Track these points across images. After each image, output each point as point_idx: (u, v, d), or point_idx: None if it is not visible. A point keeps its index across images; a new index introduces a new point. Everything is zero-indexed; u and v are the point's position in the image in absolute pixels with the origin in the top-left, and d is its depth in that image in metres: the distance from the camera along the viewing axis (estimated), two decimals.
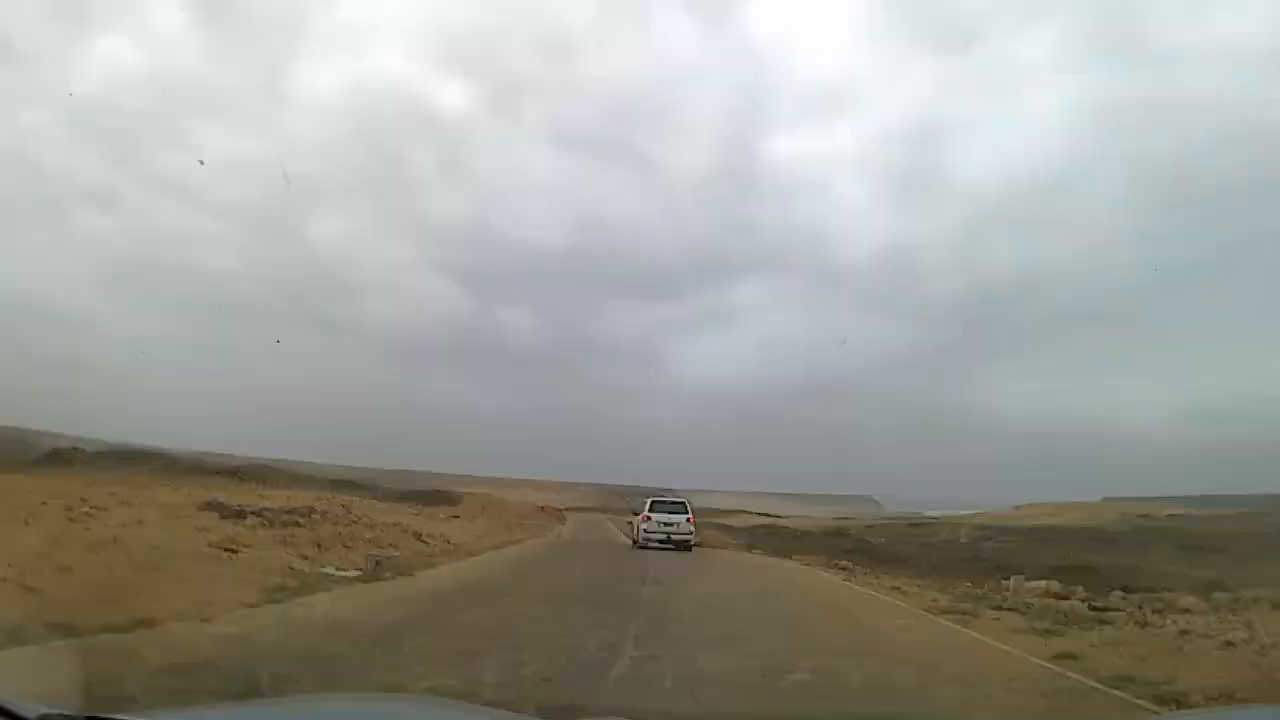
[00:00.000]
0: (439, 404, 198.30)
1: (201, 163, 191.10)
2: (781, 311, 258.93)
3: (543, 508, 72.05)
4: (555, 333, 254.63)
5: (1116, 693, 6.85)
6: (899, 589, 16.71)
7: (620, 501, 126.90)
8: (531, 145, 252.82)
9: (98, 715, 2.06)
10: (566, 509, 77.64)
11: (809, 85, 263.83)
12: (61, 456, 57.70)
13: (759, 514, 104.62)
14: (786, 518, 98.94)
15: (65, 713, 1.89)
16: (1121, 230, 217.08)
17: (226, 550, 12.19)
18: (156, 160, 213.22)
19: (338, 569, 12.65)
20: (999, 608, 13.26)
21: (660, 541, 24.96)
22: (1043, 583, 16.10)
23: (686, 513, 26.01)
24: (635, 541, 25.98)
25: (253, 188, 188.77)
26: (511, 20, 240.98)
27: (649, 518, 25.52)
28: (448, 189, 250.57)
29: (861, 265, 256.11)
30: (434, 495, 56.01)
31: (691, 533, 25.70)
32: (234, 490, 29.41)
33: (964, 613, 12.40)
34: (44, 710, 1.82)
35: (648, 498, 27.75)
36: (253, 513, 17.05)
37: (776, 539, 44.79)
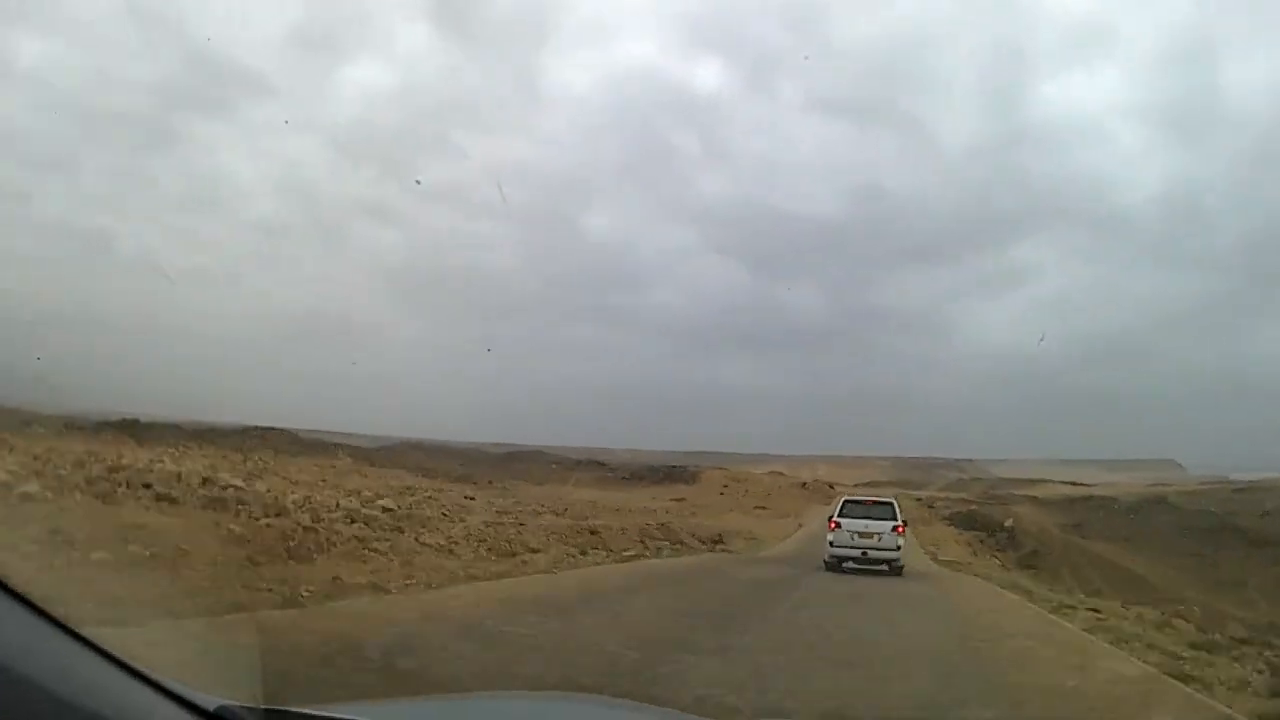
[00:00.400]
0: (727, 385, 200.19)
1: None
2: (1064, 269, 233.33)
3: (805, 485, 69.75)
4: (837, 306, 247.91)
5: None
6: None
7: (917, 474, 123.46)
8: (793, 117, 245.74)
9: (277, 708, 2.05)
10: (857, 485, 74.23)
11: (1067, 22, 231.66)
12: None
13: (1064, 483, 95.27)
14: (1093, 485, 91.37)
15: (245, 704, 1.89)
16: None
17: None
18: (428, 170, 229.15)
19: None
20: None
21: (855, 560, 18.89)
22: None
23: (894, 519, 19.24)
24: (825, 560, 19.54)
25: (525, 189, 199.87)
26: None
27: (838, 525, 19.25)
28: (716, 169, 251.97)
29: (1143, 212, 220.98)
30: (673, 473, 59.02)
31: (899, 548, 18.97)
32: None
33: None
34: (221, 702, 1.82)
35: (852, 499, 21.27)
36: None
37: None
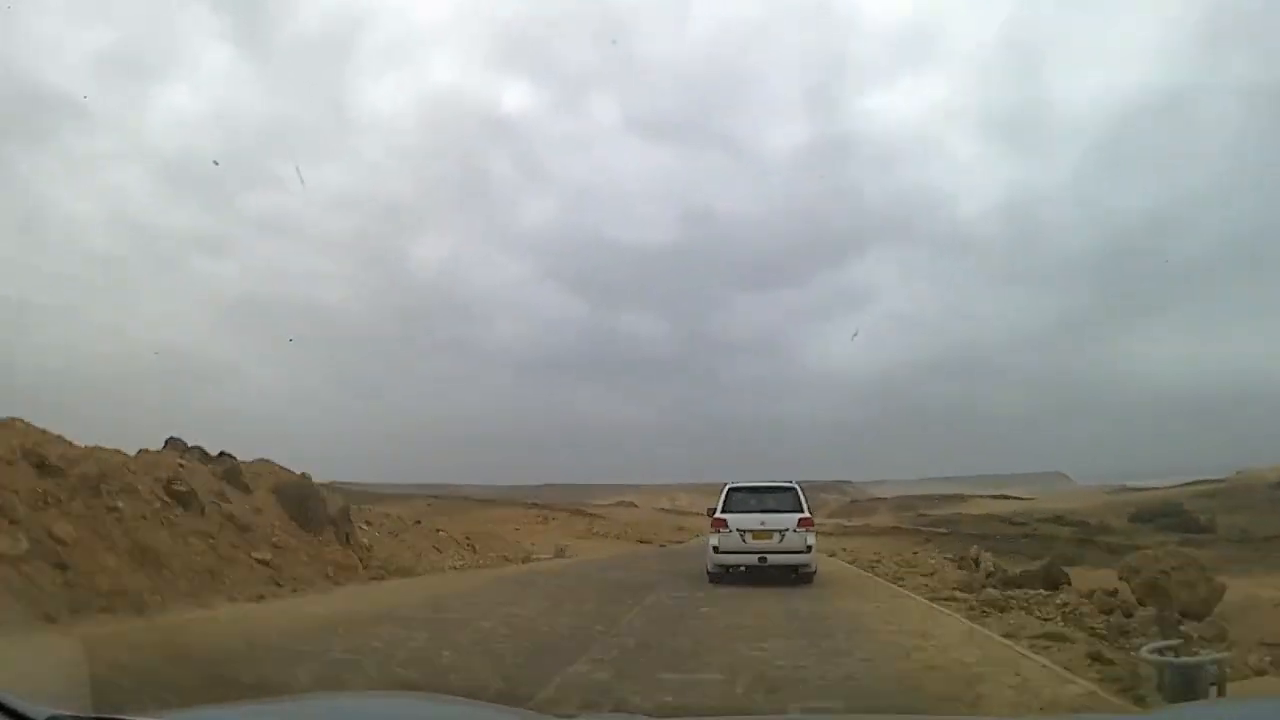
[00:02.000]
0: (579, 417, 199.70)
1: (301, 181, 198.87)
2: (906, 286, 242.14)
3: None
4: (683, 333, 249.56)
5: None
6: None
7: None
8: (612, 139, 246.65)
9: (107, 717, 2.09)
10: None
11: (888, 28, 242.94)
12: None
13: (990, 497, 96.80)
14: (1030, 498, 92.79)
15: (74, 714, 1.94)
16: (1250, 160, 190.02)
17: None
18: (246, 200, 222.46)
19: None
20: None
21: (750, 567, 14.76)
22: None
23: (798, 509, 14.92)
24: (709, 571, 15.21)
25: (348, 218, 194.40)
26: (558, 11, 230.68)
27: (724, 523, 14.93)
28: (540, 195, 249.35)
29: (984, 226, 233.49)
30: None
31: (809, 547, 14.83)
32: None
33: None
34: (53, 712, 1.86)
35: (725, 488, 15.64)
36: None
37: None
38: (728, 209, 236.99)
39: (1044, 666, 7.25)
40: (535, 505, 67.71)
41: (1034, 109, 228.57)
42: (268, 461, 15.31)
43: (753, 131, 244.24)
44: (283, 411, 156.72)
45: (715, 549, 14.97)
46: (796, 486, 15.52)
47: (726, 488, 15.48)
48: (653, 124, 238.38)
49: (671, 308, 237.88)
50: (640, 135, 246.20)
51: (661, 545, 42.67)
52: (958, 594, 14.66)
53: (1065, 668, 7.23)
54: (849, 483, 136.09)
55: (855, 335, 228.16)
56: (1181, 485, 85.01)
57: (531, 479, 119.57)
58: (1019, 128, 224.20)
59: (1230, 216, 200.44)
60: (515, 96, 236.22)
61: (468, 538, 25.43)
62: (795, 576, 14.75)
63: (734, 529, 14.72)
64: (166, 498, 11.06)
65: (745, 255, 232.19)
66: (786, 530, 14.61)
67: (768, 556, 14.57)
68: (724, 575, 14.74)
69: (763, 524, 14.66)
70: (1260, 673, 7.64)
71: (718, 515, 15.08)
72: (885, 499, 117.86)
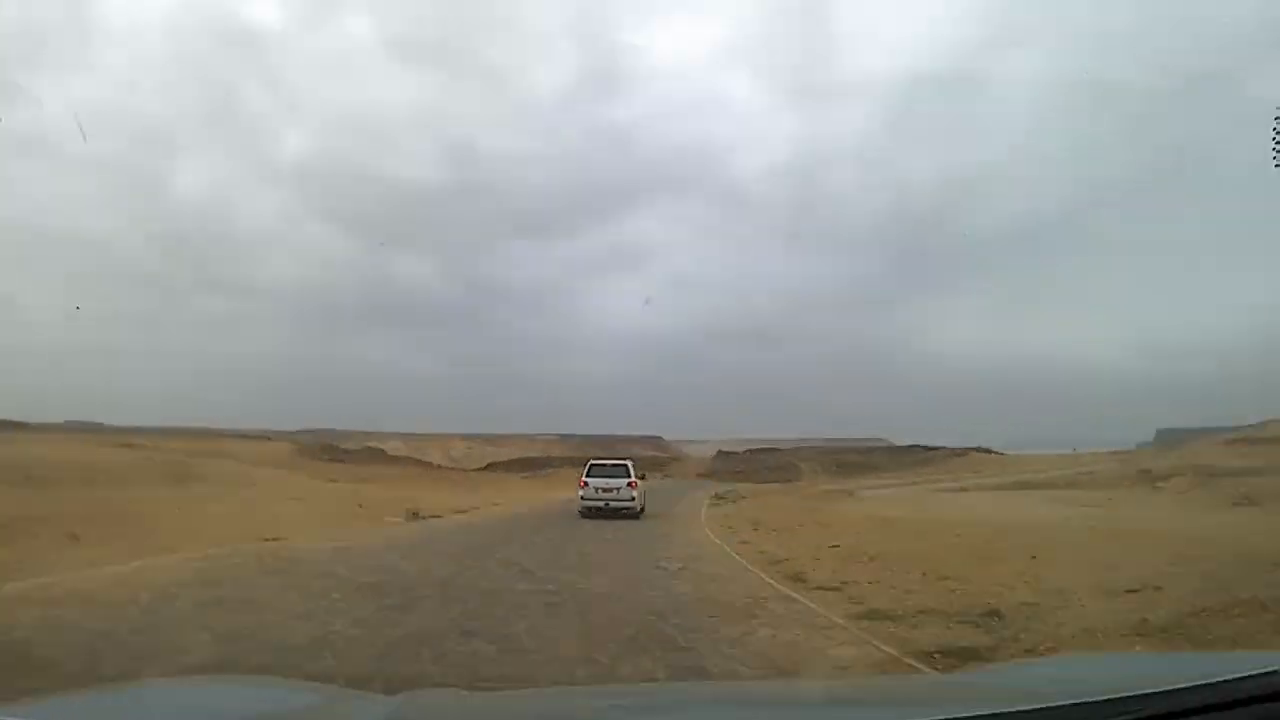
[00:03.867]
0: (356, 362, 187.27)
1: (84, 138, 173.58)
2: (687, 245, 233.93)
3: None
4: (457, 280, 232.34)
5: None
6: None
7: (599, 450, 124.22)
8: (372, 63, 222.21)
9: None
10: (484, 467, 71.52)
11: None
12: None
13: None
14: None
15: None
16: (1051, 133, 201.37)
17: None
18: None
19: None
20: None
21: (598, 509, 24.81)
22: None
23: (628, 475, 25.62)
24: (580, 511, 25.55)
25: (110, 140, 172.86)
26: None
27: (586, 483, 25.55)
28: (299, 123, 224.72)
29: (766, 184, 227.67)
30: None
31: (633, 499, 25.08)
32: None
33: None
34: None
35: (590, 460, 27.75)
36: None
37: None
38: (494, 147, 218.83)
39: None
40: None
41: (822, 63, 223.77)
42: None
43: (518, 63, 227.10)
44: (50, 346, 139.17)
45: (582, 498, 25.35)
46: (628, 462, 27.10)
47: (590, 462, 27.02)
48: (413, 46, 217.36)
49: (445, 252, 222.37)
50: (400, 59, 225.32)
51: None
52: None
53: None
54: (659, 438, 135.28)
55: (648, 301, 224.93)
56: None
57: (292, 423, 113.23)
58: (806, 82, 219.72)
59: (1023, 194, 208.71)
60: (262, 7, 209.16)
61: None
62: (630, 515, 24.65)
63: (592, 486, 25.25)
64: None
65: (517, 200, 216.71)
66: (621, 487, 25.16)
67: (610, 503, 24.85)
68: (589, 514, 24.58)
69: (607, 484, 25.21)
70: None
71: (583, 479, 25.71)
72: (691, 458, 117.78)
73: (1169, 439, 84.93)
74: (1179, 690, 1.98)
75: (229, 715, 2.64)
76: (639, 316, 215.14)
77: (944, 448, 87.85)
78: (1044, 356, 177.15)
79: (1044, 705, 1.97)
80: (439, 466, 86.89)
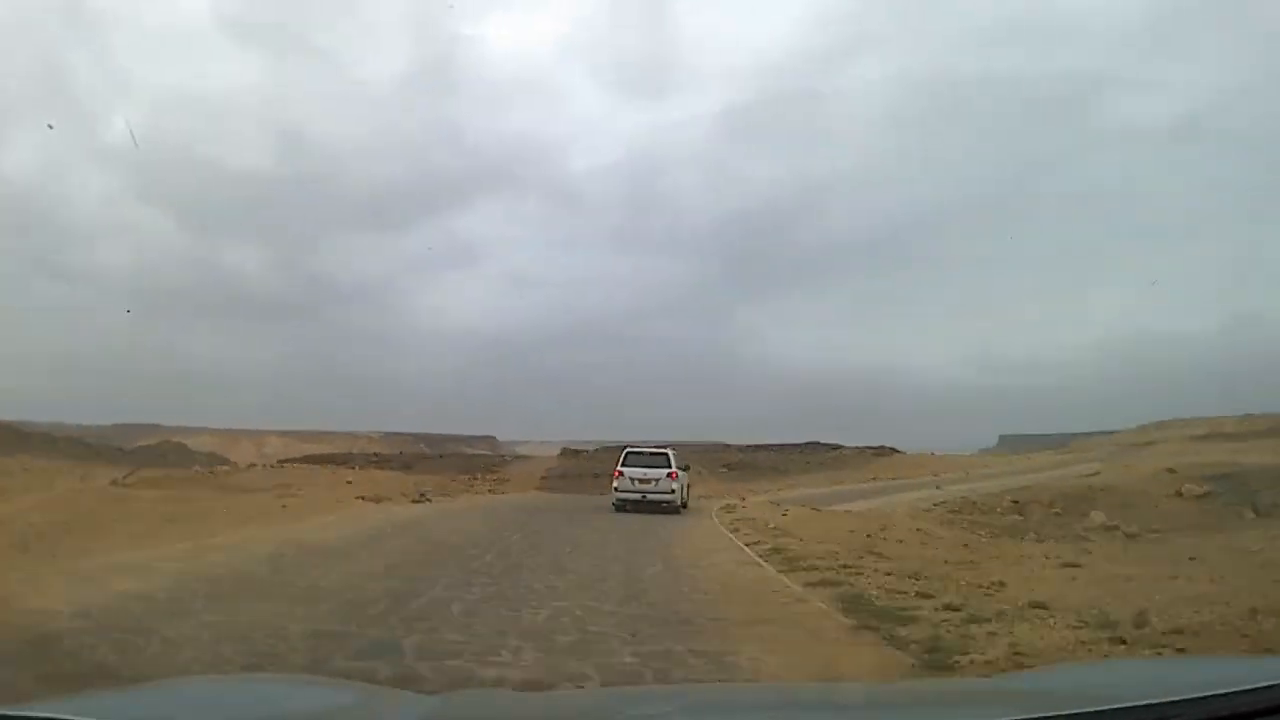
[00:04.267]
0: (178, 355, 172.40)
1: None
2: (520, 244, 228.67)
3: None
4: (289, 273, 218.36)
5: None
6: None
7: (422, 447, 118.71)
8: (202, 41, 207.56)
9: None
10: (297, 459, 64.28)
11: None
12: None
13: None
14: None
15: None
16: (898, 146, 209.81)
17: None
18: None
19: None
20: None
21: (635, 502, 22.36)
22: None
23: (668, 465, 22.85)
24: (613, 503, 23.11)
25: None
26: None
27: (621, 473, 22.95)
28: (125, 100, 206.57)
29: (602, 182, 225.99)
30: None
31: (673, 491, 22.58)
32: None
33: None
34: None
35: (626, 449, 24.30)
36: None
37: None
38: (328, 136, 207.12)
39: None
40: None
41: (664, 63, 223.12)
42: None
43: (354, 50, 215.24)
44: None
45: (616, 489, 23.03)
46: (669, 451, 23.80)
47: (625, 450, 24.05)
48: (249, 27, 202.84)
49: (277, 243, 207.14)
50: (236, 40, 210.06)
51: None
52: None
53: None
54: (489, 437, 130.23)
55: (477, 290, 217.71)
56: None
57: (98, 416, 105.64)
58: (646, 81, 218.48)
59: (868, 205, 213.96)
60: None
61: None
62: (670, 510, 22.37)
63: (626, 476, 22.86)
64: None
65: (350, 192, 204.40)
66: (659, 479, 22.66)
67: (647, 495, 22.49)
68: (623, 507, 22.44)
69: (645, 474, 22.76)
70: None
71: (618, 469, 23.18)
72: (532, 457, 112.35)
73: (1011, 444, 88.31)
74: (1213, 697, 1.97)
75: (264, 713, 2.62)
76: (474, 315, 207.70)
77: (846, 447, 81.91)
78: (887, 365, 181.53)
79: (1076, 710, 1.97)
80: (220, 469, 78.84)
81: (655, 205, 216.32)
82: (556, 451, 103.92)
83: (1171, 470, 33.84)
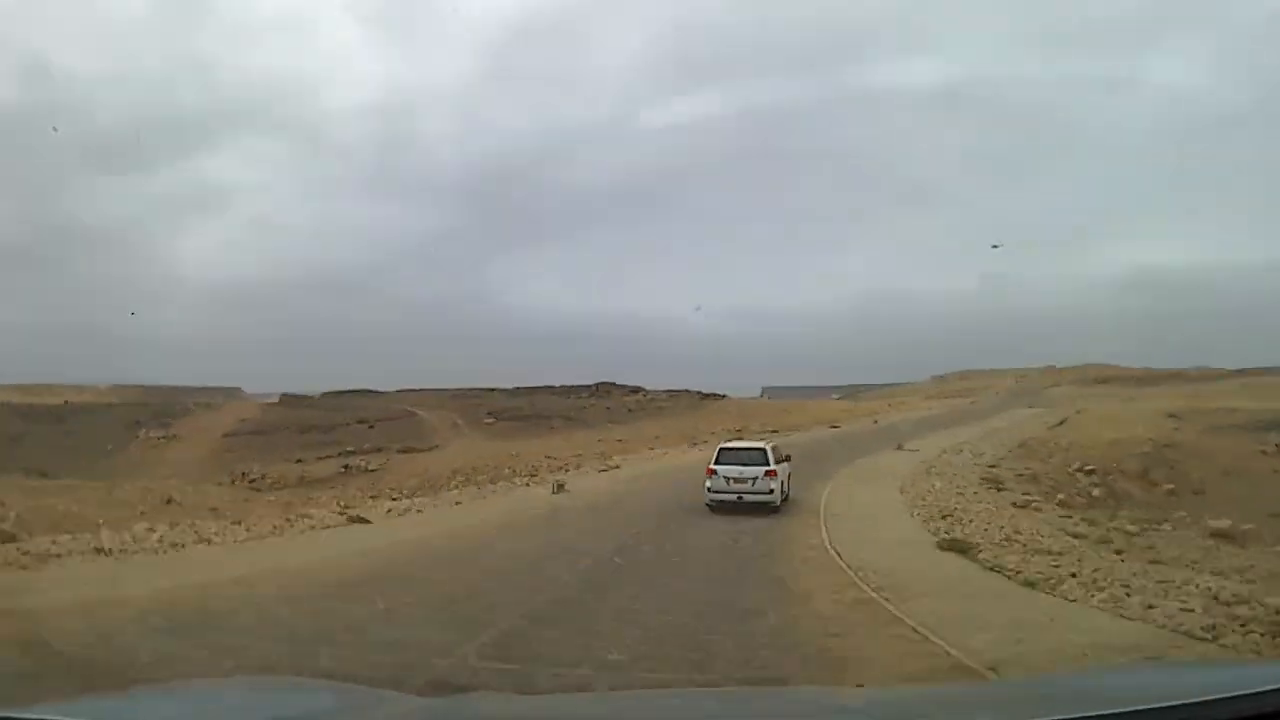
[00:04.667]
0: None
1: None
2: (270, 188, 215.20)
3: None
4: (22, 217, 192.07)
5: None
6: None
7: (159, 398, 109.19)
8: None
9: None
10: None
11: None
12: None
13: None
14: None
15: None
16: (646, 98, 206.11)
17: None
18: None
19: None
20: None
21: (731, 503, 20.50)
22: None
23: (765, 462, 20.97)
24: (707, 504, 21.11)
25: None
26: None
27: (714, 471, 21.12)
28: None
29: (355, 126, 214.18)
30: None
31: (771, 490, 20.62)
32: None
33: None
34: None
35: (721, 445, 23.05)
36: None
37: None
38: (69, 66, 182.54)
39: None
40: None
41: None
42: None
43: None
44: None
45: (709, 489, 21.04)
46: (766, 447, 22.23)
47: (719, 448, 22.73)
48: None
49: (10, 185, 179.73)
50: None
51: None
52: None
53: None
54: (238, 389, 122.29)
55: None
56: None
57: None
58: (400, 18, 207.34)
59: (619, 157, 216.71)
60: None
61: None
62: (766, 509, 20.40)
63: (721, 475, 20.95)
64: None
65: (91, 130, 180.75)
66: (757, 477, 20.74)
67: (744, 496, 20.65)
68: (717, 507, 20.63)
69: (741, 473, 20.91)
70: None
71: (710, 466, 21.41)
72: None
73: (774, 394, 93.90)
74: (1240, 697, 1.97)
75: (264, 715, 2.71)
76: (220, 263, 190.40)
77: (652, 390, 75.85)
78: (650, 314, 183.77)
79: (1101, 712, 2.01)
80: None
81: (410, 150, 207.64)
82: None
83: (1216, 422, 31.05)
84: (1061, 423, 46.07)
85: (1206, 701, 1.94)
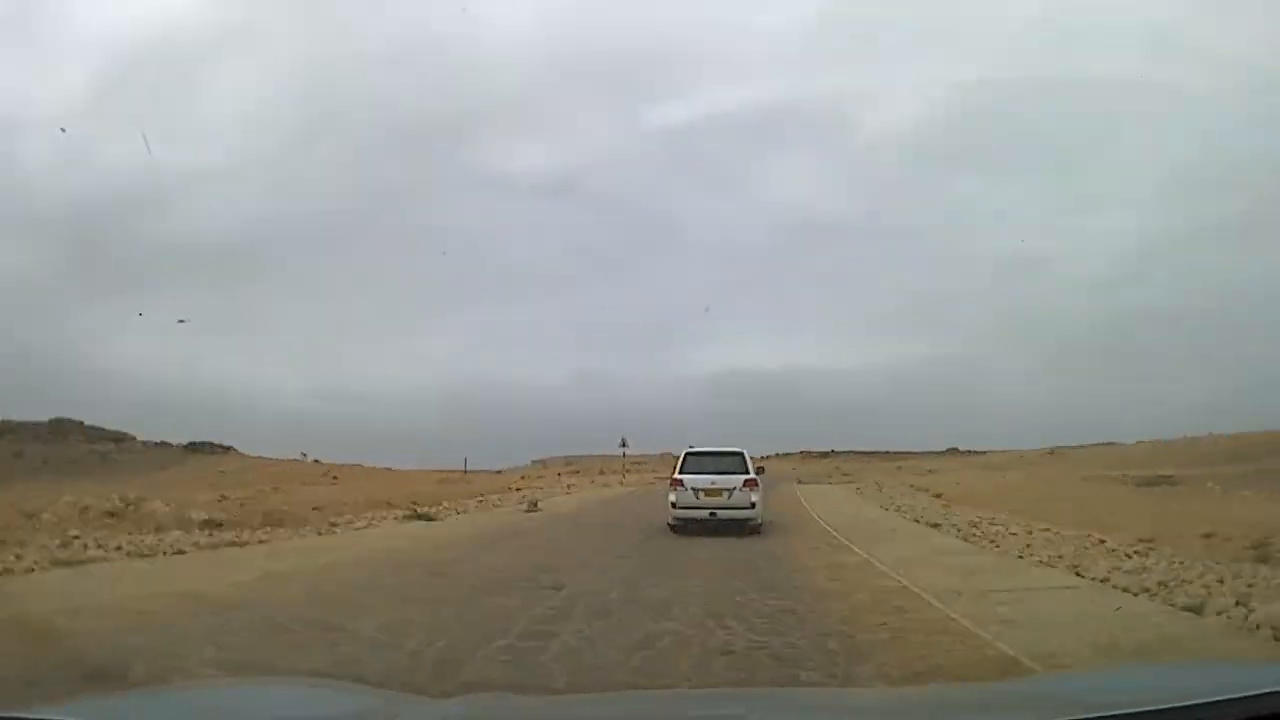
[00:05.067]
0: None
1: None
2: None
3: None
4: None
5: None
6: None
7: None
8: None
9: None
10: None
11: None
12: None
13: None
14: None
15: None
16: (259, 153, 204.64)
17: None
18: None
19: None
20: None
21: (700, 521, 17.50)
22: None
23: (744, 470, 17.96)
24: (670, 524, 18.17)
25: None
26: None
27: (680, 482, 17.96)
28: None
29: None
30: None
31: (751, 504, 17.58)
32: None
33: None
34: None
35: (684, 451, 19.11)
36: None
37: None
38: None
39: None
40: None
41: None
42: None
43: None
44: None
45: (674, 504, 17.94)
46: (743, 451, 18.73)
47: (685, 452, 18.89)
48: None
49: None
50: None
51: None
52: None
53: None
54: None
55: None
56: None
57: None
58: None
59: (222, 209, 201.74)
60: None
61: None
62: (749, 528, 17.57)
63: (690, 487, 17.76)
64: None
65: None
66: (734, 490, 17.59)
67: (717, 512, 17.51)
68: (682, 527, 17.60)
69: (713, 484, 17.69)
70: None
71: (676, 476, 18.23)
72: None
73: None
74: (1244, 699, 1.99)
75: (271, 717, 2.64)
76: None
77: (240, 450, 69.07)
78: (236, 383, 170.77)
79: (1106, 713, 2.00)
80: None
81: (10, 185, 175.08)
82: None
83: None
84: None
85: (1210, 703, 1.95)
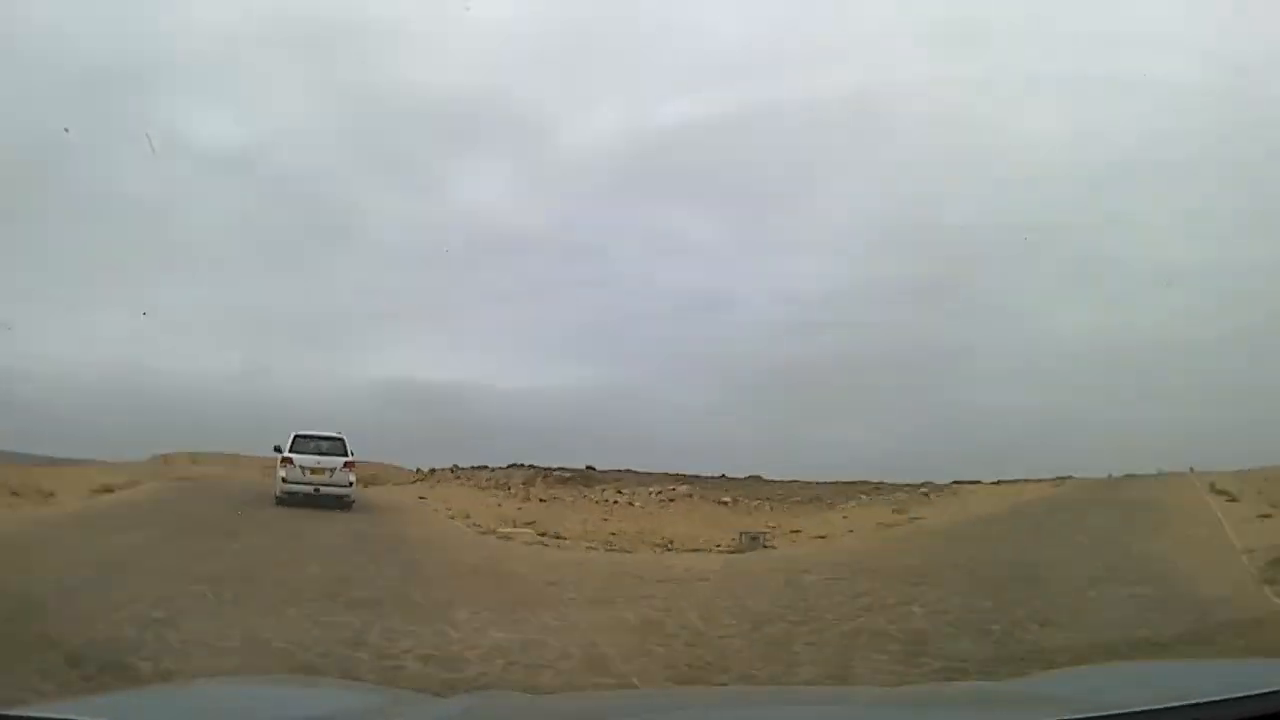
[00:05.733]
0: None
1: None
2: None
3: None
4: None
5: None
6: None
7: None
8: None
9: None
10: None
11: None
12: None
13: None
14: None
15: None
16: None
17: None
18: None
19: None
20: None
21: (307, 495, 20.22)
22: None
23: (344, 454, 21.06)
24: (277, 496, 20.66)
25: None
26: None
27: (290, 460, 20.62)
28: None
29: None
30: None
31: (350, 484, 21.00)
32: None
33: None
34: None
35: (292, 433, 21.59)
36: None
37: None
38: None
39: None
40: None
41: None
42: None
43: None
44: None
45: (283, 479, 20.43)
46: (343, 436, 21.48)
47: (293, 434, 21.18)
48: None
49: None
50: None
51: None
52: None
53: None
54: None
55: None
56: None
57: None
58: None
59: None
60: None
61: None
62: (342, 505, 20.42)
63: (298, 465, 20.47)
64: None
65: None
66: (335, 469, 20.56)
67: (320, 489, 20.24)
68: (289, 500, 20.05)
69: (318, 463, 20.51)
70: None
71: (285, 454, 20.67)
72: None
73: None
74: (1246, 698, 1.97)
75: (281, 715, 2.62)
76: None
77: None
78: None
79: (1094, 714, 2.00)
80: None
81: None
82: None
83: None
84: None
85: (1210, 703, 1.93)
